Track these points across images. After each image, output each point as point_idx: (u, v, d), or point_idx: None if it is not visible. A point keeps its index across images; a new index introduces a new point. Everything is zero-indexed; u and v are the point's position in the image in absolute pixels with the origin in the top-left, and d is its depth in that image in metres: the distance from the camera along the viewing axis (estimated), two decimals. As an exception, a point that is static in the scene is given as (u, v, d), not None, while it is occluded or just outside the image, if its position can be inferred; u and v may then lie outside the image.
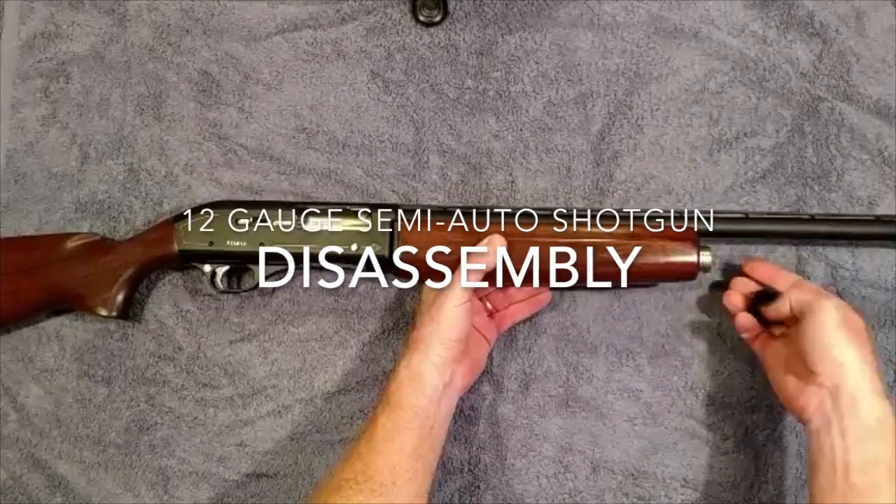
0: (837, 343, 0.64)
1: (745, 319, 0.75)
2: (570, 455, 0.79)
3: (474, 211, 0.74)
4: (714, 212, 0.75)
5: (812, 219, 0.76)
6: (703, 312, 0.80)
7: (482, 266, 0.70)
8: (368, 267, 0.75)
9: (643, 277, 0.74)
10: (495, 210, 0.74)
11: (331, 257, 0.74)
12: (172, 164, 0.83)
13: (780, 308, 0.70)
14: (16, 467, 0.80)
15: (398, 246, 0.74)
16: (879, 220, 0.76)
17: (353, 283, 0.79)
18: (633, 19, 0.85)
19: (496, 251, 0.71)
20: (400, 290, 0.81)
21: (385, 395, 0.68)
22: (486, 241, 0.71)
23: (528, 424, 0.80)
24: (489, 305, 0.78)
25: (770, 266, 0.76)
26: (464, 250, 0.72)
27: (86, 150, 0.84)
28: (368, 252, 0.74)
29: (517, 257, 0.72)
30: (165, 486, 0.80)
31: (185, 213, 0.76)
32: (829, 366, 0.64)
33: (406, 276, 0.74)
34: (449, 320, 0.68)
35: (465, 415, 0.80)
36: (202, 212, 0.76)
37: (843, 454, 0.61)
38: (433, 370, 0.68)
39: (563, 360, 0.80)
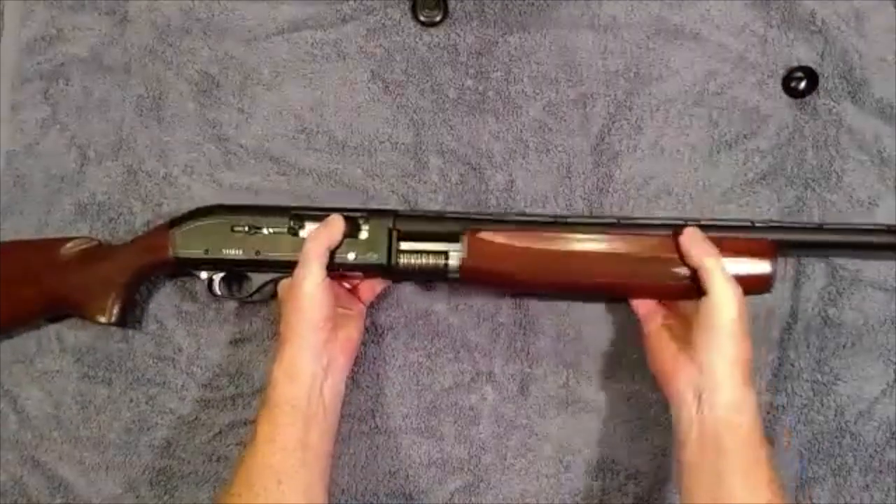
0: (726, 333, 0.65)
1: None
2: (570, 455, 0.79)
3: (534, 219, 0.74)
4: (784, 223, 0.73)
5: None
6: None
7: (326, 244, 0.71)
8: (368, 272, 0.74)
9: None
10: (560, 218, 0.74)
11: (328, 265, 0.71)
12: (172, 166, 0.83)
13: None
14: (16, 469, 0.80)
15: (397, 251, 0.73)
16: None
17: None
18: (633, 19, 0.84)
19: (339, 226, 0.72)
20: (400, 287, 0.81)
21: (262, 399, 0.69)
22: (327, 219, 0.72)
23: (528, 424, 0.80)
24: (346, 284, 0.77)
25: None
26: (308, 230, 0.73)
27: (85, 151, 0.83)
28: (366, 260, 0.73)
29: (583, 266, 0.72)
30: (165, 486, 0.80)
31: (179, 219, 0.75)
32: (711, 350, 0.66)
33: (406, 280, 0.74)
34: (310, 302, 0.68)
35: (465, 415, 0.80)
36: (196, 219, 0.75)
37: (712, 425, 0.64)
38: (307, 358, 0.68)
39: (563, 361, 0.80)
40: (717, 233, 0.71)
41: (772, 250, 0.71)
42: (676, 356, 0.68)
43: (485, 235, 0.72)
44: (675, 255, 0.70)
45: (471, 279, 0.74)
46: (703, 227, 0.71)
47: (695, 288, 0.69)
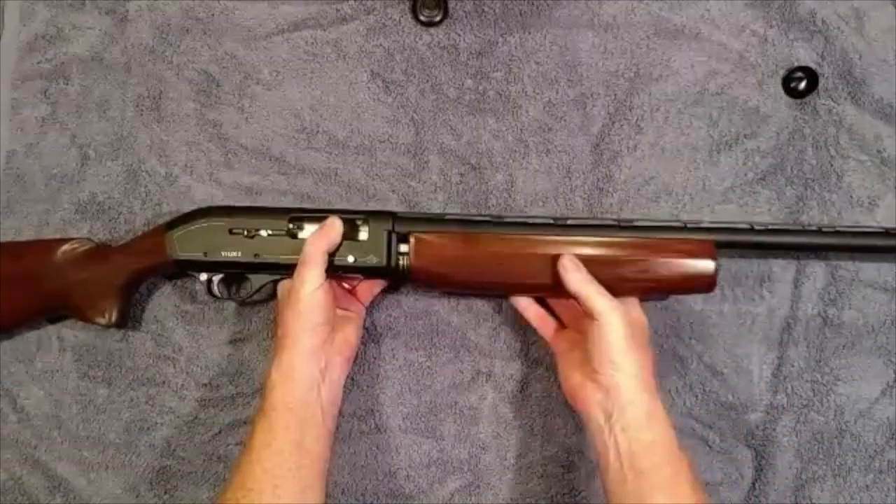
0: (618, 350, 0.67)
1: (534, 311, 0.77)
2: (570, 455, 0.79)
3: (474, 219, 0.74)
4: (722, 223, 0.74)
5: (819, 231, 0.75)
6: (700, 313, 0.81)
7: (325, 247, 0.71)
8: (367, 274, 0.74)
9: (658, 291, 0.74)
10: (496, 218, 0.74)
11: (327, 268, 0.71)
12: (172, 165, 0.83)
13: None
14: (16, 468, 0.80)
15: (396, 253, 0.73)
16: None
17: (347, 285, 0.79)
18: (633, 19, 0.84)
19: (338, 229, 0.72)
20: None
21: (259, 402, 0.69)
22: (326, 222, 0.72)
23: (528, 424, 0.80)
24: (346, 285, 0.78)
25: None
26: (307, 232, 0.73)
27: (85, 151, 0.83)
28: (365, 263, 0.73)
29: (521, 267, 0.72)
30: (165, 486, 0.80)
31: (177, 221, 0.75)
32: (608, 368, 0.67)
33: (406, 283, 0.74)
34: (310, 306, 0.69)
35: (465, 415, 0.80)
36: (195, 221, 0.74)
37: (626, 446, 0.65)
38: (304, 360, 0.68)
39: (563, 361, 0.80)
40: (658, 234, 0.72)
41: (712, 250, 0.71)
42: (583, 381, 0.69)
43: (427, 237, 0.73)
44: (621, 254, 0.71)
45: (419, 280, 0.74)
46: (643, 229, 0.72)
47: (647, 288, 0.71)
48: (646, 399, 0.66)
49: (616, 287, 0.70)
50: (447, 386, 0.80)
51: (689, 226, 0.73)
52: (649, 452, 0.64)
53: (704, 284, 0.72)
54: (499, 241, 0.72)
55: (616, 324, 0.67)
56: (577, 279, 0.69)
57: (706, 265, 0.71)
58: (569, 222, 0.73)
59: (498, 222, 0.74)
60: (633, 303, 0.72)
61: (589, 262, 0.70)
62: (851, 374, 0.80)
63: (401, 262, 0.73)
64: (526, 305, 0.77)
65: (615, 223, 0.73)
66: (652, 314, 0.80)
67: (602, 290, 0.68)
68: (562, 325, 0.76)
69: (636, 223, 0.73)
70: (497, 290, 0.77)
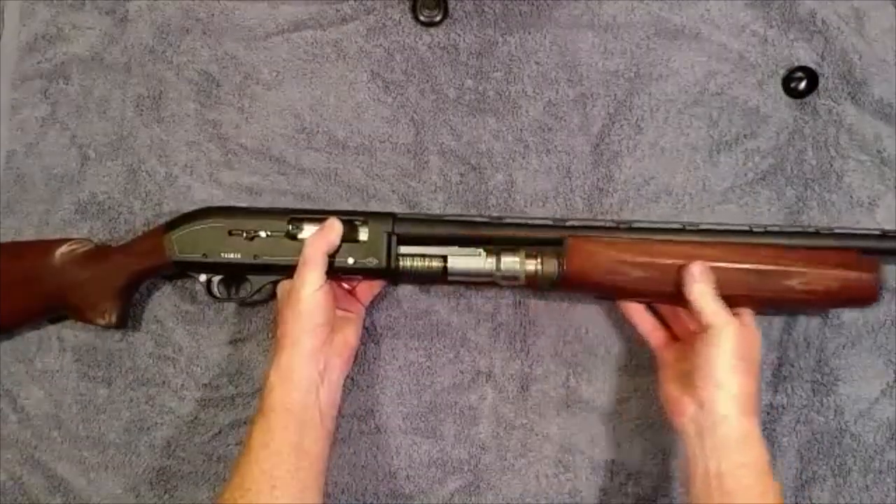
0: (722, 367, 0.66)
1: (646, 318, 0.76)
2: (570, 455, 0.79)
3: (628, 226, 0.73)
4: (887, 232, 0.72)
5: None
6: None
7: (325, 248, 0.70)
8: (367, 275, 0.74)
9: (819, 304, 0.74)
10: (639, 224, 0.73)
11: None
12: (172, 165, 0.83)
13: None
14: (16, 468, 0.80)
15: (396, 255, 0.73)
16: None
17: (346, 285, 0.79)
18: (633, 20, 0.84)
19: (337, 231, 0.71)
20: (400, 287, 0.81)
21: (258, 404, 0.69)
22: (325, 223, 0.72)
23: (528, 424, 0.80)
24: (345, 285, 0.77)
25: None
26: (306, 233, 0.72)
27: (85, 151, 0.84)
28: (364, 265, 0.72)
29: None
30: (165, 486, 0.80)
31: (175, 222, 0.75)
32: (709, 384, 0.66)
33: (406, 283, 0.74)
34: (310, 307, 0.69)
35: (465, 415, 0.80)
36: (194, 223, 0.74)
37: (716, 464, 0.64)
38: (303, 362, 0.68)
39: (563, 361, 0.80)
40: (819, 240, 0.72)
41: (874, 264, 0.71)
42: (681, 394, 0.69)
43: (589, 243, 0.71)
44: (790, 268, 0.70)
45: (571, 286, 0.73)
46: (805, 235, 0.72)
47: (808, 301, 0.71)
48: (743, 421, 0.65)
49: (778, 298, 0.70)
50: (447, 386, 0.80)
51: (852, 233, 0.72)
52: (739, 474, 0.64)
53: (866, 298, 0.71)
54: (659, 250, 0.71)
55: (727, 341, 0.66)
56: (699, 290, 0.68)
57: (869, 278, 0.70)
58: (723, 228, 0.72)
59: (653, 229, 0.72)
60: (749, 321, 0.70)
61: (753, 273, 0.70)
62: (851, 374, 0.80)
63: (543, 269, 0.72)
64: (639, 314, 0.76)
65: (776, 230, 0.72)
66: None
67: (721, 304, 0.67)
68: (673, 336, 0.76)
69: (797, 231, 0.73)
70: (647, 298, 0.76)
